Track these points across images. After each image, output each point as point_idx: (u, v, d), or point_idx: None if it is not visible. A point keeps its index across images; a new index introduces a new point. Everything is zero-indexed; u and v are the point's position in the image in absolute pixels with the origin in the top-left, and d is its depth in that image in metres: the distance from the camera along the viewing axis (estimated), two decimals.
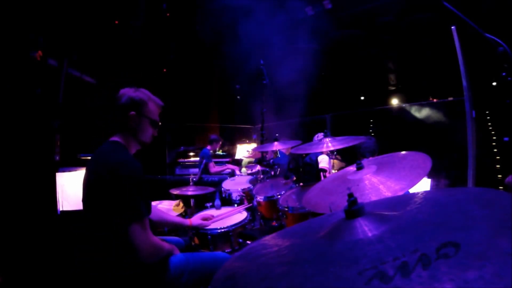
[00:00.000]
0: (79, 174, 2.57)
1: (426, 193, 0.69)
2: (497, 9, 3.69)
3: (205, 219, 2.06)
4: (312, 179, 3.35)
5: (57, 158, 2.97)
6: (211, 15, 5.23)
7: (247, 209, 2.42)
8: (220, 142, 5.22)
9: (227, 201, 2.98)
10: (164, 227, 2.12)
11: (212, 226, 2.08)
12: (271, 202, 2.37)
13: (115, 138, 1.38)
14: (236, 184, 3.16)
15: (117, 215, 1.18)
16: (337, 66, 6.69)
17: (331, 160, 2.96)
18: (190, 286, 1.37)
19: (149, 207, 1.26)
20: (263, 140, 3.17)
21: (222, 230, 2.05)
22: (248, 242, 2.10)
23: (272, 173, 3.03)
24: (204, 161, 4.56)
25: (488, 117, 4.44)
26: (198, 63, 6.85)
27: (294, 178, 2.63)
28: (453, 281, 0.35)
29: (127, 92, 1.41)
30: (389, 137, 5.21)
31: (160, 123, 1.49)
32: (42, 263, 2.36)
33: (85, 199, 1.33)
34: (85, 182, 1.33)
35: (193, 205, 2.76)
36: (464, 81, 2.65)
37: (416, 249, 0.43)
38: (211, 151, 4.96)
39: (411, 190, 1.02)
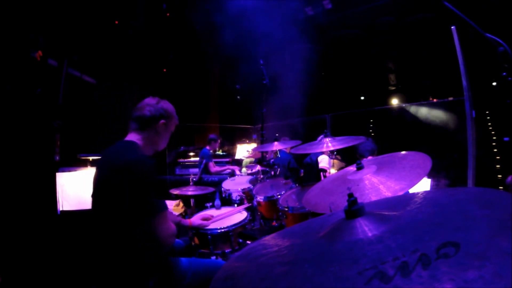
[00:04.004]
0: (79, 174, 2.56)
1: (426, 193, 0.69)
2: (497, 9, 3.69)
3: (205, 219, 2.06)
4: (312, 179, 3.34)
5: (57, 158, 2.97)
6: (212, 15, 5.23)
7: (247, 209, 2.42)
8: (219, 141, 5.21)
9: (227, 201, 2.98)
10: None
11: (212, 226, 2.08)
12: (271, 202, 2.37)
13: (130, 138, 1.41)
14: (236, 184, 3.16)
15: (137, 210, 1.21)
16: (337, 66, 6.69)
17: (331, 160, 2.96)
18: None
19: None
20: (263, 140, 3.17)
21: (222, 230, 2.05)
22: (248, 242, 2.10)
23: (272, 173, 3.03)
24: (204, 161, 4.56)
25: (488, 117, 4.44)
26: (198, 63, 6.85)
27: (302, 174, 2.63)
28: (453, 281, 0.35)
29: (158, 102, 1.49)
30: (389, 137, 5.21)
31: None
32: (42, 263, 2.36)
33: (97, 196, 1.34)
34: (98, 180, 1.34)
35: (193, 205, 2.76)
36: (464, 81, 2.64)
37: (416, 249, 0.43)
38: (211, 151, 4.96)
39: (411, 190, 1.02)
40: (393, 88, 7.29)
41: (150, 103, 1.47)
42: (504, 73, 1.16)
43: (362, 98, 7.53)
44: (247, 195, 2.86)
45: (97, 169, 1.39)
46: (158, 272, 1.30)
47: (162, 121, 1.47)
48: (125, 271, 1.25)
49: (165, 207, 1.30)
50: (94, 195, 1.36)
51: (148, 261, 1.28)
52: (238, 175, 4.48)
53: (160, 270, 1.32)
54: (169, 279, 1.33)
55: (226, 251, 2.08)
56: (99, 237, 1.31)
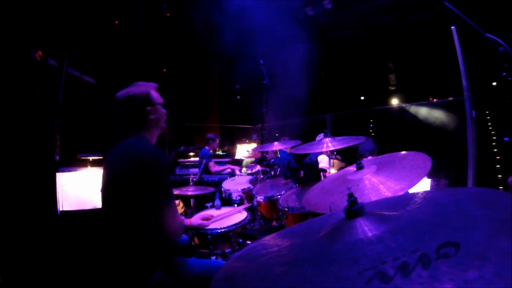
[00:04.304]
0: (79, 174, 2.56)
1: (426, 193, 0.69)
2: (497, 9, 3.69)
3: (205, 219, 2.06)
4: (312, 179, 3.35)
5: (57, 158, 2.97)
6: (212, 15, 5.23)
7: (247, 209, 2.42)
8: (217, 140, 5.20)
9: (227, 201, 2.98)
10: None
11: (212, 226, 2.08)
12: (271, 202, 2.37)
13: (136, 133, 1.42)
14: (236, 184, 3.16)
15: (152, 201, 1.22)
16: (337, 66, 6.69)
17: (331, 160, 2.96)
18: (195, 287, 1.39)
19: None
20: (263, 140, 3.17)
21: (222, 230, 2.05)
22: (248, 242, 2.10)
23: (272, 173, 3.03)
24: (204, 161, 4.56)
25: (488, 117, 4.44)
26: (198, 63, 6.85)
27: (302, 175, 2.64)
28: (453, 281, 0.35)
29: (129, 92, 1.43)
30: (389, 137, 5.22)
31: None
32: (42, 263, 2.36)
33: (110, 191, 1.34)
34: (111, 174, 1.35)
35: (193, 205, 2.76)
36: (464, 81, 2.65)
37: (416, 249, 0.43)
38: (210, 151, 4.96)
39: (411, 190, 1.02)
40: (393, 88, 7.29)
41: (126, 109, 1.41)
42: (504, 73, 1.16)
43: (362, 98, 7.53)
44: (247, 195, 2.86)
45: (107, 163, 1.39)
46: (161, 268, 1.30)
47: (148, 108, 1.42)
48: (128, 265, 1.25)
49: (174, 196, 1.32)
50: (105, 190, 1.36)
51: (152, 256, 1.28)
52: (238, 175, 4.48)
53: (164, 265, 1.32)
54: (172, 278, 1.33)
55: (226, 251, 2.08)
56: (110, 232, 1.32)
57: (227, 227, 2.07)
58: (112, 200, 1.33)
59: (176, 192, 2.75)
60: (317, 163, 3.42)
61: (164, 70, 6.10)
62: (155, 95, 1.49)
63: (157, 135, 1.50)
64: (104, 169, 1.39)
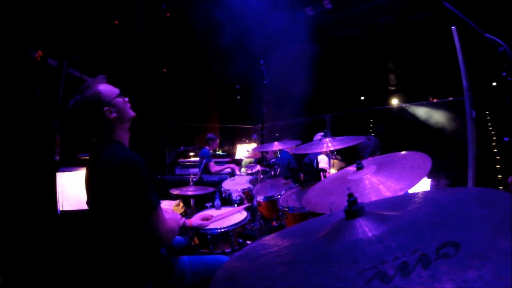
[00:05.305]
0: (79, 174, 2.56)
1: (426, 193, 0.69)
2: (497, 9, 3.69)
3: (205, 219, 2.06)
4: (312, 179, 3.35)
5: (57, 158, 2.97)
6: (212, 16, 5.23)
7: (247, 209, 2.41)
8: (217, 140, 5.20)
9: (227, 201, 2.98)
10: None
11: (212, 226, 2.08)
12: (271, 202, 2.37)
13: (105, 142, 1.32)
14: (236, 184, 3.16)
15: (134, 209, 1.17)
16: (337, 66, 6.70)
17: (331, 160, 2.96)
18: (193, 286, 1.38)
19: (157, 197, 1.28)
20: (263, 140, 3.17)
21: (222, 230, 2.05)
22: (248, 242, 2.10)
23: (272, 173, 3.03)
24: (204, 161, 4.56)
25: (488, 117, 4.44)
26: (198, 63, 6.86)
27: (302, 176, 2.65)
28: (453, 281, 0.35)
29: (77, 102, 1.27)
30: (389, 137, 5.22)
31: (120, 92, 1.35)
32: (42, 263, 2.36)
33: (92, 200, 1.32)
34: (91, 184, 1.32)
35: (193, 205, 2.76)
36: (464, 81, 2.65)
37: (416, 249, 0.43)
38: (211, 151, 4.96)
39: (411, 190, 1.02)
40: (393, 88, 7.30)
41: (81, 122, 1.28)
42: (504, 73, 1.17)
43: (362, 98, 7.54)
44: (247, 195, 2.86)
45: (88, 177, 1.34)
46: (157, 272, 1.30)
47: (105, 109, 1.26)
48: (123, 271, 1.25)
49: (159, 202, 1.25)
50: (89, 199, 1.34)
51: (147, 260, 1.28)
52: (238, 175, 4.48)
53: (159, 269, 1.32)
54: (168, 278, 1.33)
55: (226, 251, 2.08)
56: (98, 239, 1.31)
57: (227, 227, 2.07)
58: (95, 209, 1.31)
59: (176, 192, 2.75)
60: (316, 163, 3.42)
61: (164, 70, 6.10)
62: (106, 89, 1.30)
63: (128, 128, 1.37)
64: (85, 183, 1.34)
